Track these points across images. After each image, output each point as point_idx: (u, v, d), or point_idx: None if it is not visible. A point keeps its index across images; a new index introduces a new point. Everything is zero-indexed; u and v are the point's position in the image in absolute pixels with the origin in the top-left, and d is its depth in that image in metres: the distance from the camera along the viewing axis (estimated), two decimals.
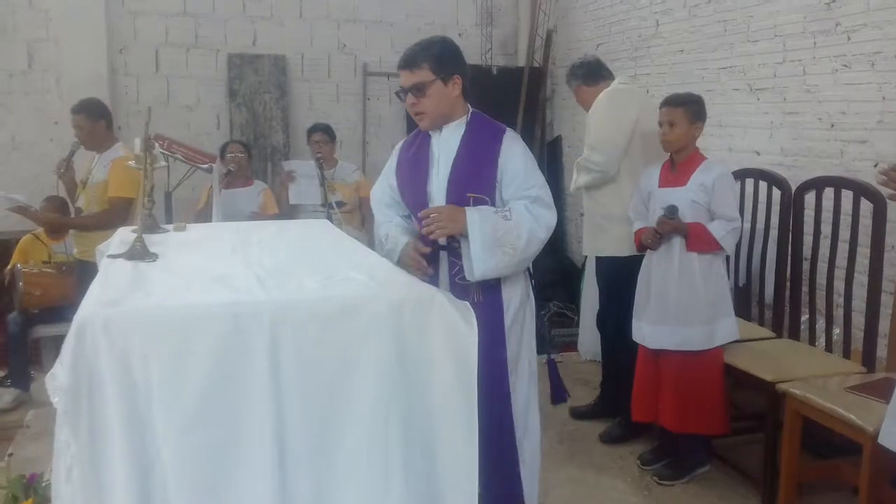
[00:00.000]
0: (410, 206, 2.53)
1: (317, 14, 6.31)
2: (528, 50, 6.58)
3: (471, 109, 2.48)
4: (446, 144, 2.44)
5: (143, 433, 1.54)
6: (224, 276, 1.85)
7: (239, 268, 1.97)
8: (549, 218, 2.37)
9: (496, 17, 6.74)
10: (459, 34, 6.65)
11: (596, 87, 3.73)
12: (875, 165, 3.40)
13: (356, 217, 5.11)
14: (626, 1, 5.46)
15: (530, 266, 2.48)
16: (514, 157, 2.38)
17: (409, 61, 2.36)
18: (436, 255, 2.42)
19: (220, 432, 1.57)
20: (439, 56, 2.36)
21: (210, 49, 6.10)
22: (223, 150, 4.99)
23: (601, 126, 3.53)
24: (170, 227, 2.72)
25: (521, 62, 6.67)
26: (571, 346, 5.24)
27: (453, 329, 1.75)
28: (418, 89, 2.35)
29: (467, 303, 1.83)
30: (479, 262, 2.28)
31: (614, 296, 3.58)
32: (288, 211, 4.91)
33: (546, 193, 2.39)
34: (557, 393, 2.61)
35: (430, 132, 2.47)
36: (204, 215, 4.53)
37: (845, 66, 3.56)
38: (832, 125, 3.65)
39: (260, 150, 6.00)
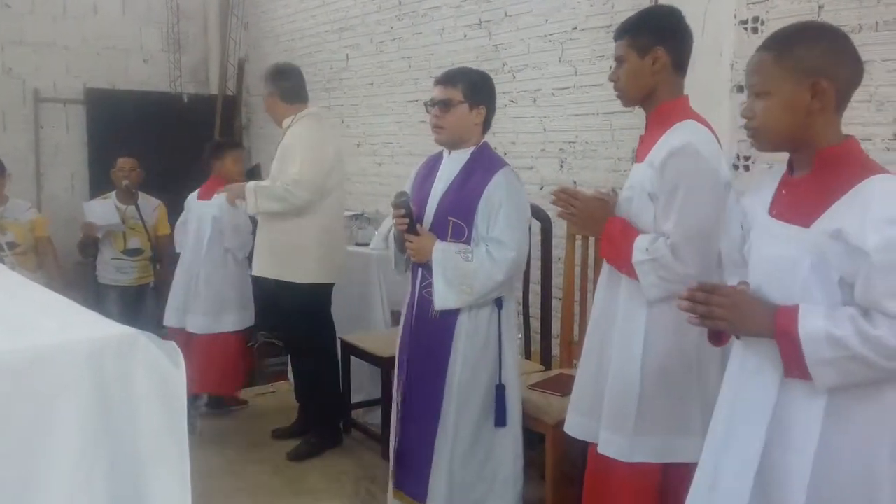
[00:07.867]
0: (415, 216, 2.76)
1: None
2: (221, 78, 6.48)
3: (482, 142, 2.69)
4: (450, 168, 2.66)
5: None
6: None
7: None
8: (510, 260, 2.53)
9: (185, 43, 6.54)
10: (145, 60, 6.37)
11: (292, 107, 3.65)
12: (541, 188, 3.89)
13: (31, 259, 4.61)
14: (316, 35, 5.63)
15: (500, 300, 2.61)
16: (497, 193, 2.55)
17: (447, 79, 2.63)
18: (414, 265, 2.68)
19: None
20: (474, 83, 2.62)
21: None
22: None
23: (307, 161, 3.51)
24: None
25: (214, 90, 6.55)
26: (283, 375, 5.22)
27: (160, 371, 1.67)
28: (445, 104, 2.59)
29: (174, 343, 1.77)
30: (439, 297, 2.55)
31: (312, 319, 3.68)
32: None
33: (511, 237, 2.54)
34: (499, 417, 2.66)
35: (444, 155, 2.70)
36: None
37: (513, 101, 4.03)
38: (504, 154, 4.09)
39: None
